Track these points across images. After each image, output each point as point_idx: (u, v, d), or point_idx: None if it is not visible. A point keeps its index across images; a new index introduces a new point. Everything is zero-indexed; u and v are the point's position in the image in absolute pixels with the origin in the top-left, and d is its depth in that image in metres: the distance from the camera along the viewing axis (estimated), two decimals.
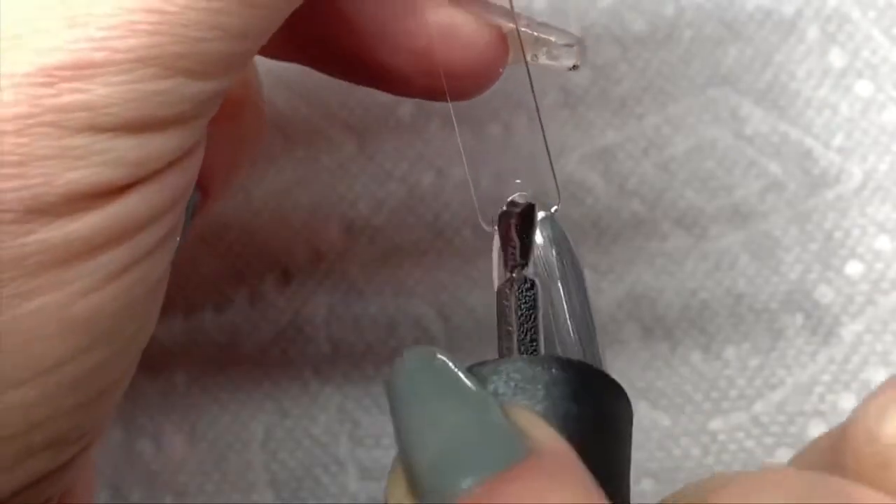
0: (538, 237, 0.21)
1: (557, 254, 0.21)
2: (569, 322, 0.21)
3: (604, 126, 0.30)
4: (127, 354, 0.19)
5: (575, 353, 0.20)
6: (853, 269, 0.28)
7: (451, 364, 0.17)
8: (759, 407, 0.28)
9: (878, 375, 0.28)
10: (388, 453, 0.29)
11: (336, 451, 0.30)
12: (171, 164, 0.18)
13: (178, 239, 0.20)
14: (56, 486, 0.19)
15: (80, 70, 0.17)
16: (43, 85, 0.16)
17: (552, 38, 0.22)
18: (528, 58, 0.22)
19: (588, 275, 0.29)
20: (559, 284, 0.21)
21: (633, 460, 0.28)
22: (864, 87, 0.29)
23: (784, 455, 0.28)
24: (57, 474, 0.19)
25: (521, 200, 0.22)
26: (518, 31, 0.22)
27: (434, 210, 0.30)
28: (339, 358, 0.30)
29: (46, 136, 0.16)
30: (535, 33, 0.22)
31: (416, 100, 0.30)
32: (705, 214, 0.29)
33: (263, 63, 0.24)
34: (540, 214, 0.21)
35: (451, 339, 0.30)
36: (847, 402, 0.28)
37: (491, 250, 0.22)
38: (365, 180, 0.30)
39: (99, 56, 0.17)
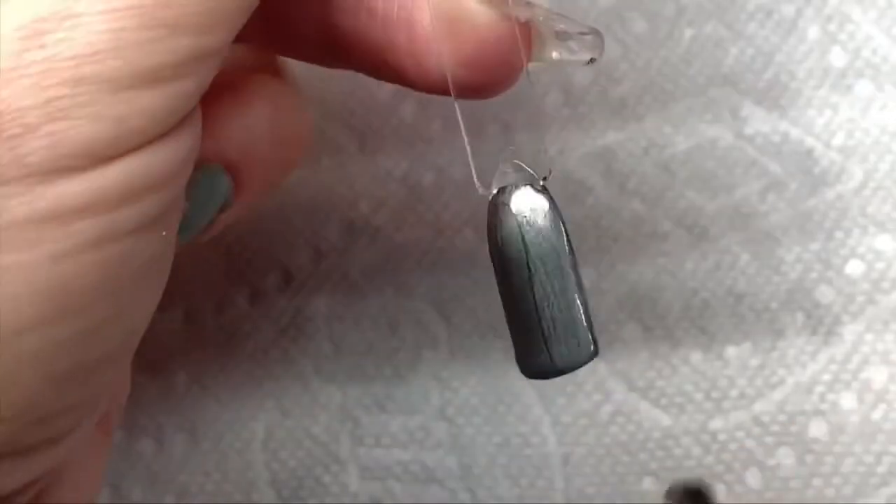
0: (534, 206, 0.21)
1: (549, 221, 0.21)
2: (557, 288, 0.21)
3: (604, 126, 0.30)
4: (103, 336, 0.18)
5: (561, 320, 0.21)
6: (854, 268, 0.28)
7: None
8: (759, 406, 0.28)
9: (879, 375, 0.28)
10: (388, 452, 0.30)
11: (337, 450, 0.30)
12: (159, 138, 0.18)
13: (174, 226, 0.19)
14: (25, 474, 0.19)
15: (64, 20, 0.17)
16: (28, 37, 0.17)
17: (572, 30, 0.21)
18: (553, 54, 0.21)
19: (589, 274, 0.29)
20: (550, 251, 0.21)
21: (635, 460, 0.29)
22: (864, 87, 0.29)
23: (785, 454, 0.28)
24: (24, 460, 0.19)
25: (512, 169, 0.21)
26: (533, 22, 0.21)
27: (435, 210, 0.30)
28: (340, 357, 0.30)
29: (31, 87, 0.17)
30: (556, 25, 0.21)
31: (418, 99, 0.30)
32: (706, 214, 0.29)
33: None
34: (527, 190, 0.21)
35: (451, 338, 0.30)
36: (848, 402, 0.28)
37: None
38: (366, 180, 0.30)
39: (81, 6, 0.17)
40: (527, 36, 0.21)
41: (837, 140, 0.29)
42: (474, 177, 0.21)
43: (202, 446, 0.30)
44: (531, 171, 0.21)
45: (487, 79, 0.21)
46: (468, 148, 0.21)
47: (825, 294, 0.28)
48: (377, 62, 0.21)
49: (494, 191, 0.21)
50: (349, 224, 0.30)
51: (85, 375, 0.18)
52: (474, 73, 0.21)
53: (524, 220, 0.21)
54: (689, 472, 0.28)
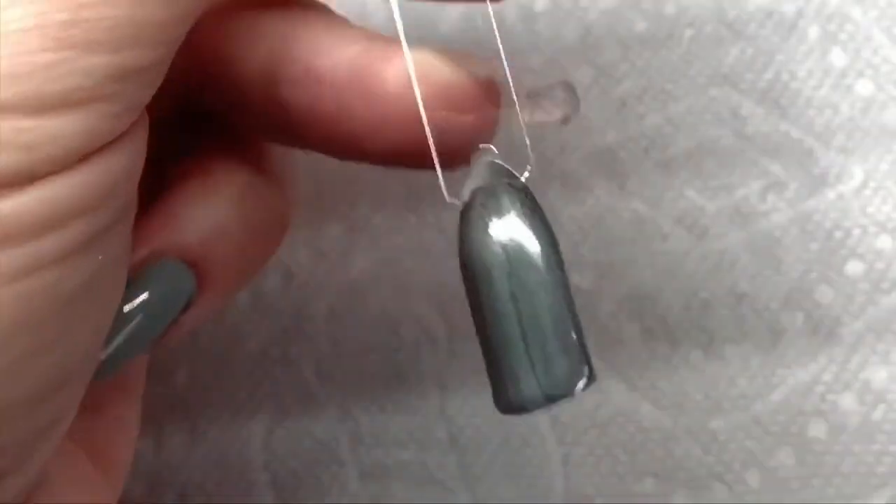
0: (512, 211, 0.18)
1: (531, 227, 0.18)
2: (545, 301, 0.18)
3: (604, 126, 0.30)
4: (37, 369, 0.17)
5: (552, 337, 0.18)
6: (854, 268, 0.28)
7: None
8: (759, 406, 0.28)
9: (879, 375, 0.28)
10: (388, 452, 0.30)
11: (337, 450, 0.30)
12: (83, 160, 0.17)
13: (115, 247, 0.18)
14: None
15: None
16: None
17: (541, 87, 0.20)
18: (526, 117, 0.20)
19: (589, 274, 0.29)
20: (536, 261, 0.18)
21: (635, 460, 0.29)
22: (864, 87, 0.29)
23: (785, 455, 0.28)
24: None
25: (488, 169, 0.19)
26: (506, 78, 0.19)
27: (436, 209, 0.30)
28: (340, 357, 0.30)
29: None
30: (525, 86, 0.20)
31: None
32: (706, 214, 0.29)
33: None
34: (504, 191, 0.18)
35: (452, 339, 0.30)
36: (848, 402, 0.28)
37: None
38: (366, 179, 0.30)
39: None
40: (496, 94, 0.20)
41: (838, 140, 0.29)
42: (442, 186, 0.19)
43: (202, 446, 0.30)
44: (508, 168, 0.19)
45: (452, 134, 0.20)
46: (437, 163, 0.19)
47: (825, 294, 0.28)
48: (334, 135, 0.20)
49: (466, 197, 0.18)
50: (350, 223, 0.30)
51: (21, 410, 0.17)
52: (446, 132, 0.19)
53: (500, 227, 0.18)
54: (689, 472, 0.28)
